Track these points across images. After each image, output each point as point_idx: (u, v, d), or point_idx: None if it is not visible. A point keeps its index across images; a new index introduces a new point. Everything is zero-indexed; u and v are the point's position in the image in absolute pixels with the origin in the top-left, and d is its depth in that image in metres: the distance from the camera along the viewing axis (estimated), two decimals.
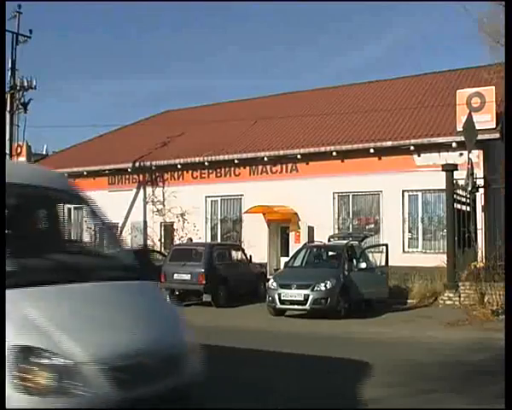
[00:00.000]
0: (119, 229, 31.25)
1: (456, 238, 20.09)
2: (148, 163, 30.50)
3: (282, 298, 18.43)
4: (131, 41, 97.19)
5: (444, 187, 20.66)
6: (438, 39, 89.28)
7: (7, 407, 7.18)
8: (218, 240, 28.62)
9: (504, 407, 7.26)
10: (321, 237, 23.35)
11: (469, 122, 20.99)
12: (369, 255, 21.29)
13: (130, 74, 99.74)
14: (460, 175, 20.68)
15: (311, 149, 26.21)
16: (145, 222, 30.76)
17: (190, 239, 27.66)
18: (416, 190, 24.38)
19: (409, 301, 21.36)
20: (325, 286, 18.12)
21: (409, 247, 24.51)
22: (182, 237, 28.81)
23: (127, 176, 31.72)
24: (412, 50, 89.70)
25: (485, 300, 17.71)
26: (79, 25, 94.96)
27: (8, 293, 4.99)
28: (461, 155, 22.50)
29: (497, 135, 22.44)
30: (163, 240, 30.32)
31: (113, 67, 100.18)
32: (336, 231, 25.03)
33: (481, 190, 21.32)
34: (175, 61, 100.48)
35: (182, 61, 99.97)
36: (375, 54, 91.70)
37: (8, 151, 31.11)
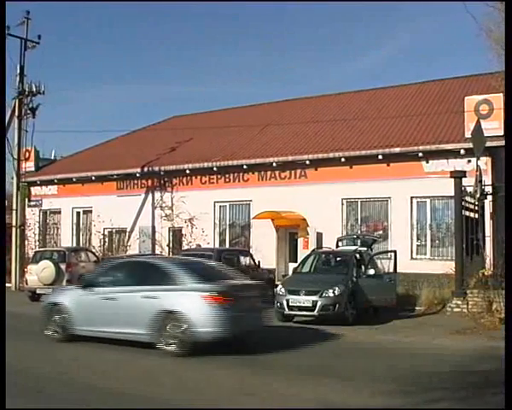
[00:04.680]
0: (128, 234, 31.35)
1: (464, 245, 20.03)
2: (156, 168, 30.56)
3: (291, 304, 18.43)
4: (140, 46, 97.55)
5: (452, 194, 20.61)
6: (445, 46, 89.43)
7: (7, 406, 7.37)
8: (227, 245, 28.65)
9: (504, 407, 7.30)
10: (329, 243, 23.35)
11: (478, 129, 20.96)
12: (378, 262, 21.28)
13: (138, 80, 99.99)
14: (468, 182, 20.66)
15: (320, 155, 26.22)
16: (153, 227, 30.79)
17: (199, 245, 27.71)
18: (425, 197, 24.33)
19: (416, 308, 21.34)
20: (333, 292, 18.12)
21: (417, 254, 24.46)
22: (190, 242, 28.82)
23: (136, 181, 31.77)
24: (419, 57, 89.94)
25: (493, 308, 17.67)
26: (88, 30, 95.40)
27: None
28: (469, 161, 22.49)
29: None
30: (171, 245, 30.34)
31: (122, 73, 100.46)
32: None
33: (490, 198, 21.29)
34: (183, 67, 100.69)
35: (190, 66, 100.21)
36: (382, 60, 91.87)
37: (16, 156, 31.24)
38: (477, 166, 20.61)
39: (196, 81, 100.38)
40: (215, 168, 28.77)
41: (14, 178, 31.75)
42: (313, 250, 22.40)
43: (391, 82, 38.47)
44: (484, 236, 20.90)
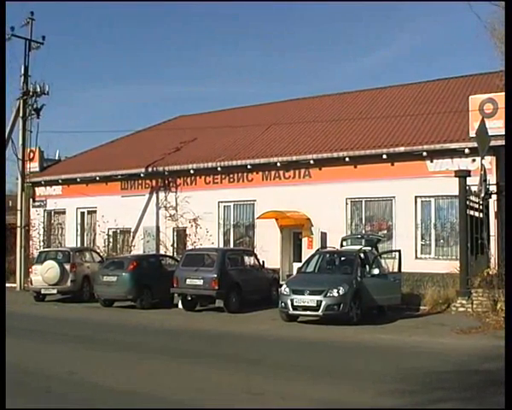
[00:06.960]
0: (132, 234, 31.35)
1: (468, 245, 20.02)
2: (160, 168, 30.55)
3: (295, 304, 18.43)
4: (140, 46, 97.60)
5: (456, 193, 20.61)
6: (445, 46, 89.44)
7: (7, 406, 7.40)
8: (231, 245, 28.63)
9: (504, 407, 7.29)
10: (334, 243, 23.32)
11: (482, 128, 20.92)
12: (382, 261, 21.27)
13: (138, 80, 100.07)
14: (473, 181, 20.63)
15: (324, 155, 26.17)
16: (158, 227, 30.78)
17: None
18: (429, 196, 24.26)
19: (421, 307, 21.31)
20: (338, 292, 18.11)
21: (421, 253, 24.37)
22: (194, 242, 28.82)
23: (140, 181, 31.75)
24: (418, 57, 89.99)
25: (498, 307, 17.64)
26: (88, 30, 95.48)
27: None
28: (473, 161, 22.43)
29: None
30: (175, 245, 30.34)
31: (122, 73, 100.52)
32: None
33: (494, 197, 21.25)
34: (183, 67, 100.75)
35: (190, 66, 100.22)
36: (382, 60, 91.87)
37: (20, 157, 31.29)
38: (481, 165, 20.57)
39: (196, 81, 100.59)
40: (219, 168, 28.75)
41: (19, 179, 31.82)
42: (317, 250, 22.40)
43: (391, 82, 38.32)
44: (488, 235, 20.88)
